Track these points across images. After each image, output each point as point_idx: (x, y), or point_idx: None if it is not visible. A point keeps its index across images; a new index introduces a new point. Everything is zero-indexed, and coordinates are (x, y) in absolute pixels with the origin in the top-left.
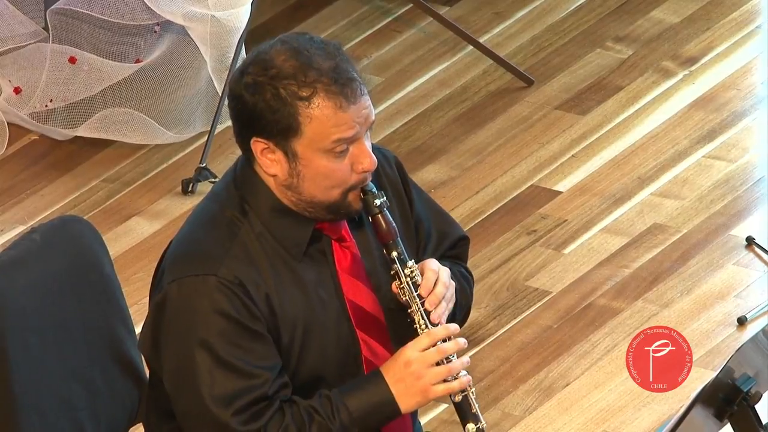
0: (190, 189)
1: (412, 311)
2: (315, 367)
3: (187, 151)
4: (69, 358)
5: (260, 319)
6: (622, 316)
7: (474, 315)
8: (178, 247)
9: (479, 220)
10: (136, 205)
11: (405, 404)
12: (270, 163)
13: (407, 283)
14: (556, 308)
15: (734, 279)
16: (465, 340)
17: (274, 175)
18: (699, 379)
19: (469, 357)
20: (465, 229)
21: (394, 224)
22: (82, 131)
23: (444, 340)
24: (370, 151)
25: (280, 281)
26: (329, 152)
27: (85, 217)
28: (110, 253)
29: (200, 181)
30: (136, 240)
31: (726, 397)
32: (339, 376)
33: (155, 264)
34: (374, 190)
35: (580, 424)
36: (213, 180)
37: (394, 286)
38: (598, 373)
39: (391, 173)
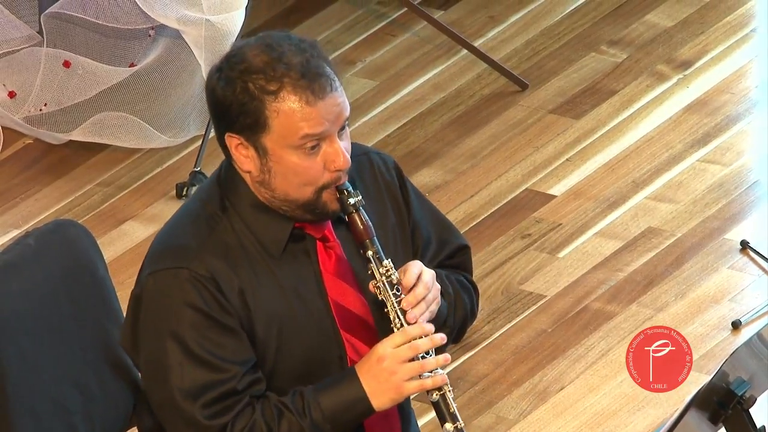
0: (184, 193)
1: (387, 310)
2: (296, 367)
3: (181, 155)
4: (63, 362)
5: (232, 314)
6: (617, 319)
7: None
8: (157, 241)
9: (474, 224)
10: (131, 209)
11: (378, 401)
12: (243, 159)
13: (382, 282)
14: (550, 312)
15: (729, 283)
16: (443, 336)
17: (248, 171)
18: (694, 382)
19: (465, 359)
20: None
21: (369, 223)
22: (77, 135)
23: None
24: (344, 149)
25: (256, 278)
26: (299, 149)
27: (79, 221)
28: (104, 257)
29: (195, 185)
30: (130, 244)
31: (720, 400)
32: (323, 377)
33: None
34: (350, 188)
35: (574, 428)
36: None
37: (371, 285)
38: (593, 377)
39: (389, 178)
